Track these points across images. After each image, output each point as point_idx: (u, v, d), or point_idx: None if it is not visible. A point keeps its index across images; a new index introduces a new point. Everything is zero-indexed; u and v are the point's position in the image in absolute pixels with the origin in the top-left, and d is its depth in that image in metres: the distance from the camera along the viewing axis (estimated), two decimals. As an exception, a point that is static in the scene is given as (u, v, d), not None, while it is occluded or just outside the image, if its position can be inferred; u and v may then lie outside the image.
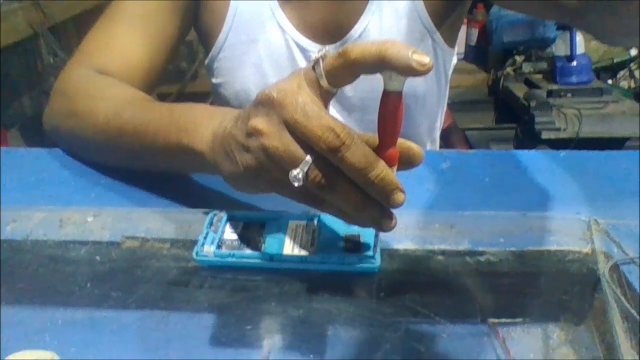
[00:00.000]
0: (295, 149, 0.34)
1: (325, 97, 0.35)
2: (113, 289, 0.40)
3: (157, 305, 0.38)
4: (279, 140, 0.34)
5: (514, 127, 2.02)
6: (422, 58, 0.30)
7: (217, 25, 0.69)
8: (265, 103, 0.35)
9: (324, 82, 0.34)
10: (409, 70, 0.31)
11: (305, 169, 0.34)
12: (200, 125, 0.43)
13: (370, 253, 0.40)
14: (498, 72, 2.26)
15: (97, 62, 0.63)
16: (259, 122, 0.35)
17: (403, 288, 0.37)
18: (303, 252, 0.41)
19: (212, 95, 0.80)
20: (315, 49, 0.68)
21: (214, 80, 0.74)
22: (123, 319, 0.37)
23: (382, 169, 0.33)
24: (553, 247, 0.42)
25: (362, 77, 0.34)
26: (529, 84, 2.12)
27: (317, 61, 0.34)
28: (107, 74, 0.62)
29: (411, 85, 0.68)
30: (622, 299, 0.36)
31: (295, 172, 0.34)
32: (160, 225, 0.46)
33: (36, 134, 1.75)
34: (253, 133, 0.36)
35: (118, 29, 0.65)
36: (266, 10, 0.68)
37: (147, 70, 0.65)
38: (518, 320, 0.36)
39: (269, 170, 0.36)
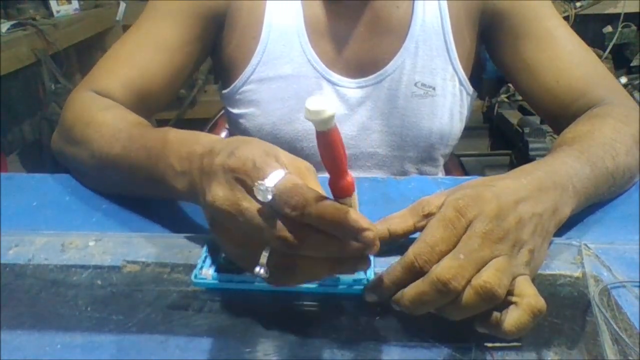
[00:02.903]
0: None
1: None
2: (113, 313, 0.40)
3: (157, 329, 0.39)
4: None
5: (508, 154, 2.04)
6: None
7: (244, 59, 0.70)
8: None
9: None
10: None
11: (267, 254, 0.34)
12: (177, 172, 0.44)
13: (363, 275, 0.41)
14: (492, 100, 2.29)
15: (106, 82, 0.63)
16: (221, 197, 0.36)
17: (397, 311, 0.38)
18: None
19: (229, 124, 0.78)
20: (346, 84, 0.70)
21: (234, 111, 0.74)
22: (123, 343, 0.38)
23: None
24: (545, 271, 0.43)
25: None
26: (523, 110, 2.14)
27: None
28: (113, 96, 0.62)
29: (440, 124, 0.72)
30: (612, 322, 0.37)
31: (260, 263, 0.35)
32: (160, 250, 0.47)
33: (36, 159, 1.77)
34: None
35: (139, 50, 0.66)
36: (296, 46, 0.69)
37: (159, 94, 0.67)
38: (512, 344, 0.37)
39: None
